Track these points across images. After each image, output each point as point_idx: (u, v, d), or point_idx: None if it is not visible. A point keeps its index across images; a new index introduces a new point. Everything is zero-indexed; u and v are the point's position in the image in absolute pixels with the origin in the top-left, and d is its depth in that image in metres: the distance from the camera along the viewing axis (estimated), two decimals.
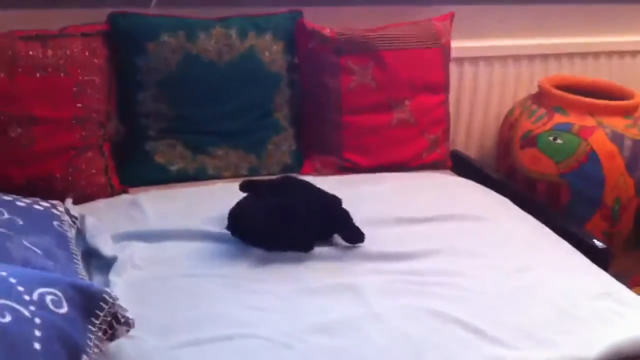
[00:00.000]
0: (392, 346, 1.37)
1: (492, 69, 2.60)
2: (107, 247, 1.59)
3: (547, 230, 1.90)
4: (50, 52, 1.84)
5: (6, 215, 1.41)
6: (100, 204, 1.86)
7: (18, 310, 1.01)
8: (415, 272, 1.63)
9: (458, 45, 2.37)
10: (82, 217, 1.66)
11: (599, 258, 1.81)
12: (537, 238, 1.86)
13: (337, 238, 1.72)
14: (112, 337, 1.19)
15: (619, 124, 2.29)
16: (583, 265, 1.75)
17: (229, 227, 1.67)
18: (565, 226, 1.96)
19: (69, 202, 1.75)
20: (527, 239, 1.85)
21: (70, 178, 1.87)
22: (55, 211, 1.54)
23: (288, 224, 1.66)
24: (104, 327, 1.16)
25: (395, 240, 1.74)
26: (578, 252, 1.81)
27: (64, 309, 1.08)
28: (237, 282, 1.54)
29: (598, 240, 1.90)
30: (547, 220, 1.94)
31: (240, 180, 1.81)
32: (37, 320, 1.02)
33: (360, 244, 1.69)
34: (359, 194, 1.93)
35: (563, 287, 1.62)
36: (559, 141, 2.28)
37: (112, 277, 1.51)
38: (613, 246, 2.39)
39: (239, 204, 1.69)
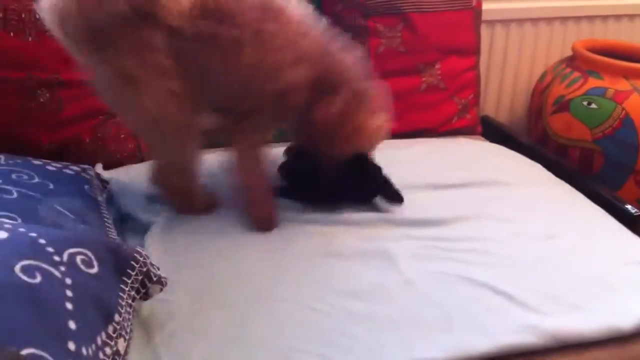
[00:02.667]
0: (422, 310, 1.36)
1: (524, 32, 2.54)
2: (142, 211, 1.60)
3: (580, 196, 1.87)
4: None
5: (37, 179, 1.41)
6: (131, 169, 1.86)
7: (48, 271, 1.00)
8: (446, 239, 1.61)
9: (489, 7, 2.32)
10: (112, 182, 1.66)
11: (632, 224, 1.78)
12: (570, 204, 1.83)
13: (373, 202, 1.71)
14: (145, 296, 1.19)
15: None
16: (616, 231, 1.72)
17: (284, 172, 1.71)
18: (599, 192, 1.93)
19: (99, 166, 1.75)
20: (560, 204, 1.82)
21: (99, 143, 1.86)
22: (85, 175, 1.54)
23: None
24: (136, 286, 1.16)
25: (426, 205, 1.72)
26: (611, 217, 1.78)
27: (95, 269, 1.08)
28: (268, 246, 1.54)
29: (632, 206, 1.87)
30: (580, 187, 1.91)
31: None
32: (68, 281, 1.02)
33: (396, 205, 1.69)
34: (388, 158, 1.90)
35: (596, 253, 1.59)
36: (593, 106, 2.24)
37: (148, 240, 1.51)
38: None
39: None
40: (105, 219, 1.43)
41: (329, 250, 1.53)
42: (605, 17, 2.63)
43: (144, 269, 1.18)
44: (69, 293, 1.00)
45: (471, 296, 1.41)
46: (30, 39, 1.77)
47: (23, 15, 1.76)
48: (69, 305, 0.99)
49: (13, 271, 0.97)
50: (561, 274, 1.50)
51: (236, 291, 1.38)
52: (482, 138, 2.25)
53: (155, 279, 1.20)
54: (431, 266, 1.50)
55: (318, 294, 1.39)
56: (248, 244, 1.54)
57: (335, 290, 1.40)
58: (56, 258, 1.04)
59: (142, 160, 1.92)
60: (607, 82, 2.25)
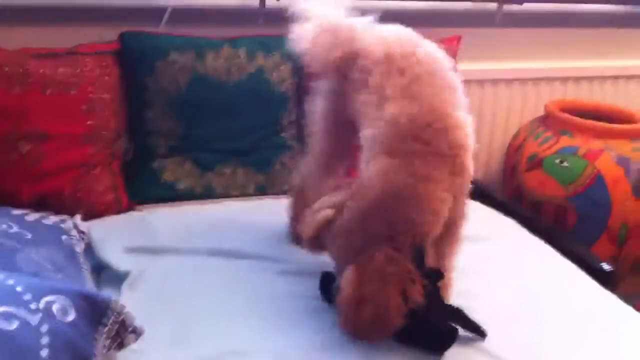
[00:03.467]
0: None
1: (498, 92, 2.62)
2: (118, 261, 1.60)
3: (553, 253, 1.91)
4: (61, 70, 1.86)
5: (15, 229, 1.42)
6: (109, 220, 1.87)
7: (24, 318, 1.01)
8: None
9: (464, 67, 2.39)
10: (91, 232, 1.67)
11: (605, 280, 1.81)
12: (544, 260, 1.87)
13: None
14: (120, 346, 1.20)
15: (625, 147, 2.29)
16: (590, 287, 1.76)
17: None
18: (572, 249, 1.96)
19: (77, 217, 1.76)
20: (533, 260, 1.85)
21: (79, 194, 1.88)
22: (63, 226, 1.56)
23: None
24: (111, 334, 1.16)
25: None
26: (584, 274, 1.81)
27: (71, 317, 1.08)
28: (246, 299, 1.55)
29: (604, 263, 1.90)
30: (554, 243, 1.94)
31: (248, 199, 1.80)
32: (44, 328, 1.02)
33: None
34: None
35: (568, 308, 1.63)
36: (565, 164, 2.29)
37: (124, 289, 1.51)
38: (620, 270, 2.39)
39: None
40: (83, 269, 1.44)
41: (303, 303, 1.54)
42: (577, 79, 2.71)
43: (120, 319, 1.18)
44: (44, 340, 1.01)
45: (455, 354, 1.42)
46: (14, 92, 1.80)
47: (6, 69, 1.80)
48: (44, 353, 0.99)
49: None
50: (536, 328, 1.53)
51: (211, 344, 1.39)
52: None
53: (130, 328, 1.21)
54: None
55: (298, 347, 1.39)
56: (226, 299, 1.55)
57: (310, 344, 1.41)
58: (32, 306, 1.04)
59: (119, 211, 1.94)
60: (578, 141, 2.31)
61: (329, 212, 1.45)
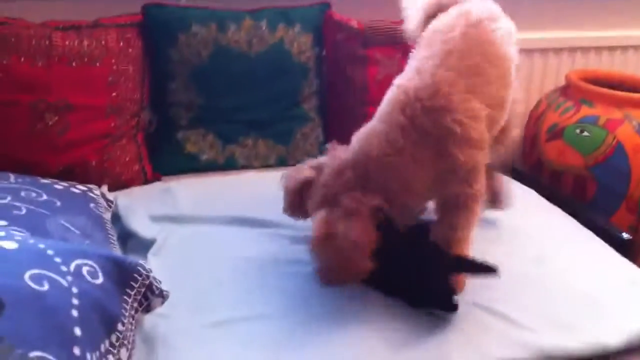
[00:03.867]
0: (417, 329, 1.40)
1: (519, 62, 2.60)
2: (144, 229, 1.64)
3: (572, 222, 1.91)
4: (85, 42, 1.89)
5: (44, 197, 1.46)
6: (135, 190, 1.92)
7: (56, 280, 1.05)
8: None
9: None
10: (117, 202, 1.71)
11: (624, 249, 1.82)
12: (562, 228, 1.88)
13: None
14: (147, 309, 1.23)
15: None
16: (608, 255, 1.76)
17: None
18: (591, 218, 1.97)
19: (104, 187, 1.80)
20: (552, 229, 1.86)
21: (105, 165, 1.92)
22: (91, 194, 1.59)
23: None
24: (139, 298, 1.20)
25: None
26: (603, 242, 1.82)
27: (100, 280, 1.12)
28: (264, 265, 1.58)
29: (624, 232, 1.91)
30: (573, 213, 1.95)
31: (269, 169, 1.82)
32: (74, 290, 1.06)
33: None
34: None
35: (587, 275, 1.64)
36: (585, 134, 2.29)
37: (150, 256, 1.55)
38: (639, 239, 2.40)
39: None
40: (110, 236, 1.47)
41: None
42: (598, 49, 2.69)
43: (147, 282, 1.22)
44: (75, 301, 1.04)
45: (465, 314, 1.45)
46: (40, 64, 1.83)
47: (33, 42, 1.83)
48: (74, 313, 1.03)
49: (22, 279, 1.01)
50: (552, 295, 1.55)
51: (235, 308, 1.43)
52: None
53: (157, 292, 1.24)
54: None
55: (316, 312, 1.43)
56: (244, 265, 1.58)
57: (324, 310, 1.44)
58: (63, 268, 1.08)
59: (145, 182, 1.98)
60: (599, 111, 2.31)
61: (308, 172, 1.50)
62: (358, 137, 1.49)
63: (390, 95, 1.51)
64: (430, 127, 1.42)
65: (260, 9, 2.13)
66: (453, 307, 1.43)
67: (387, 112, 1.47)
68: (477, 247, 1.71)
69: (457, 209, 1.53)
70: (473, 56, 1.51)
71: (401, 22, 2.19)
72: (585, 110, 2.32)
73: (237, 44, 2.06)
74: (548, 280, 1.60)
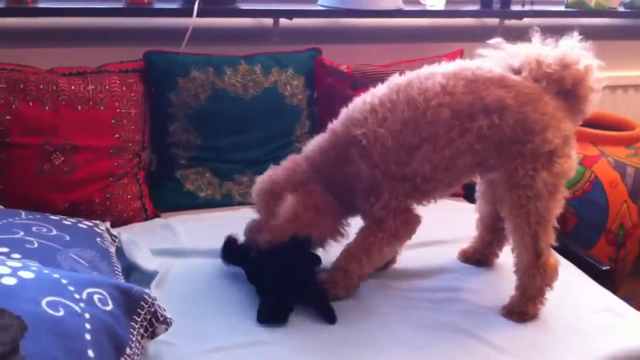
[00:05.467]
0: (404, 355, 1.50)
1: None
2: (147, 263, 1.73)
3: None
4: (90, 87, 2.00)
5: (54, 232, 1.55)
6: (136, 226, 2.01)
7: (70, 306, 1.14)
8: (429, 290, 1.76)
9: None
10: (121, 237, 1.80)
11: (603, 280, 1.91)
12: None
13: None
14: (152, 335, 1.32)
15: (620, 153, 2.40)
16: (585, 283, 1.86)
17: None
18: (572, 250, 2.06)
19: (108, 224, 1.89)
20: None
21: (108, 203, 2.01)
22: (97, 229, 1.68)
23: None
24: (144, 324, 1.29)
25: (410, 261, 1.88)
26: (581, 271, 1.91)
27: (110, 307, 1.21)
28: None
29: (602, 263, 2.00)
30: (554, 245, 2.03)
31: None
32: (87, 315, 1.15)
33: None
34: None
35: (566, 302, 1.73)
36: None
37: (153, 287, 1.65)
38: (619, 271, 2.49)
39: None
40: (115, 268, 1.56)
41: None
42: None
43: (152, 309, 1.31)
44: (87, 326, 1.14)
45: (450, 340, 1.56)
46: (47, 108, 1.94)
47: (41, 87, 1.94)
48: (87, 336, 1.12)
49: (40, 305, 1.11)
50: (534, 320, 1.66)
51: (235, 335, 1.52)
52: (464, 200, 2.40)
53: (161, 319, 1.34)
54: (413, 314, 1.65)
55: (312, 339, 1.53)
56: (244, 295, 1.68)
57: (323, 338, 1.55)
58: (76, 296, 1.18)
59: (146, 218, 2.08)
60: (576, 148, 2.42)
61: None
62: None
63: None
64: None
65: (255, 54, 2.26)
66: (333, 319, 1.59)
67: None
68: (458, 277, 1.82)
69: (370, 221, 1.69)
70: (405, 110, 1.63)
71: (387, 65, 2.33)
72: None
73: (233, 88, 2.17)
74: None
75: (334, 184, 1.67)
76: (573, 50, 1.62)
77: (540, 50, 1.63)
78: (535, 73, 1.60)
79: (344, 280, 1.68)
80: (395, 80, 1.67)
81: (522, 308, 1.65)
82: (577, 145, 1.69)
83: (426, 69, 1.67)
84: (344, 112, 1.70)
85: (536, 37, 1.67)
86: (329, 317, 1.60)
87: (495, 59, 1.68)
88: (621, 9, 2.84)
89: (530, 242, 1.62)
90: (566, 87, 1.61)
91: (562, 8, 2.76)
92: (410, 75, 1.66)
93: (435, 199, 1.73)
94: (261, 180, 1.73)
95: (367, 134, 1.61)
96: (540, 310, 1.67)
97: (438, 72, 1.63)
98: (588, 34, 2.66)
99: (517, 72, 1.64)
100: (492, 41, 1.68)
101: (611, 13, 2.82)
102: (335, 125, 1.70)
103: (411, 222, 1.68)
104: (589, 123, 2.50)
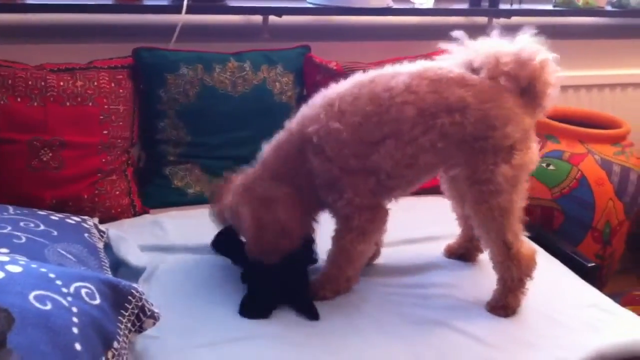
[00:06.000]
0: (392, 347, 1.51)
1: None
2: (135, 258, 1.74)
3: (539, 250, 2.02)
4: (79, 83, 2.00)
5: (42, 227, 1.56)
6: (125, 222, 2.02)
7: (58, 300, 1.15)
8: (418, 286, 1.78)
9: None
10: (109, 232, 1.81)
11: (589, 277, 1.93)
12: None
13: None
14: (140, 329, 1.33)
15: (607, 151, 2.42)
16: (572, 280, 1.88)
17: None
18: (558, 247, 2.08)
19: (96, 220, 1.90)
20: None
21: (96, 199, 2.01)
22: (85, 225, 1.69)
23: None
24: (132, 318, 1.30)
25: (400, 257, 1.90)
26: (567, 269, 1.94)
27: (97, 301, 1.22)
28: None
29: (588, 259, 2.02)
30: (541, 242, 2.06)
31: None
32: (74, 309, 1.16)
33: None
34: None
35: (552, 298, 1.76)
36: (551, 167, 2.42)
37: (141, 282, 1.65)
38: (606, 268, 2.52)
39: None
40: (103, 263, 1.57)
41: None
42: (564, 87, 2.84)
43: (139, 304, 1.32)
44: (75, 319, 1.14)
45: (438, 334, 1.58)
46: (35, 104, 1.94)
47: (30, 83, 1.94)
48: (75, 330, 1.13)
49: (27, 299, 1.11)
50: (519, 315, 1.68)
51: (222, 330, 1.53)
52: None
53: (149, 313, 1.34)
54: (402, 309, 1.67)
55: (296, 330, 1.54)
56: (229, 290, 1.69)
57: (311, 330, 1.57)
58: (64, 290, 1.18)
59: (134, 215, 2.08)
60: (563, 146, 2.44)
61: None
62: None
63: None
64: None
65: (244, 51, 2.26)
66: (315, 316, 1.61)
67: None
68: (446, 272, 1.83)
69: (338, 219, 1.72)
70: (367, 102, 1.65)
71: (375, 63, 2.33)
72: (551, 146, 2.46)
73: (223, 85, 2.18)
74: (520, 310, 1.71)
75: (296, 183, 1.68)
76: (528, 46, 1.64)
77: (498, 48, 1.65)
78: (493, 71, 1.63)
79: (330, 283, 1.71)
80: (359, 77, 1.69)
81: (504, 301, 1.68)
82: (536, 138, 1.72)
83: (390, 69, 1.69)
84: (301, 110, 1.74)
85: (494, 34, 1.70)
86: (311, 315, 1.61)
87: (456, 56, 1.71)
88: (609, 8, 2.86)
89: (496, 236, 1.66)
90: (523, 84, 1.63)
91: (550, 7, 2.78)
92: (373, 73, 1.68)
93: (397, 198, 1.75)
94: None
95: (318, 131, 1.63)
96: (522, 301, 1.69)
97: (402, 71, 1.66)
98: (576, 33, 2.70)
99: (476, 70, 1.67)
100: (454, 34, 1.69)
101: (599, 12, 2.83)
102: (291, 123, 1.73)
103: (377, 218, 1.70)
104: (576, 121, 2.55)
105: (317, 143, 1.63)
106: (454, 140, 1.62)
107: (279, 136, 1.73)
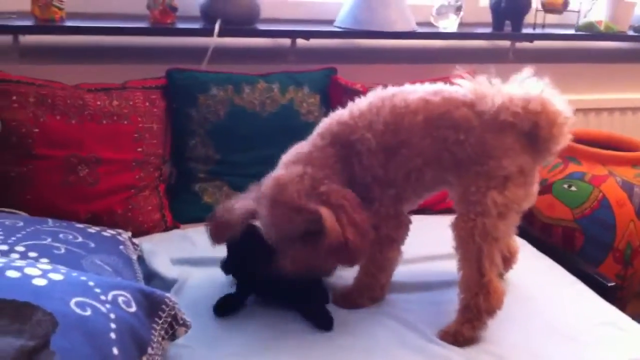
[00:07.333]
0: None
1: None
2: (166, 271, 1.81)
3: (559, 268, 2.06)
4: (115, 103, 2.08)
5: (80, 239, 1.63)
6: (156, 236, 2.08)
7: (96, 307, 1.21)
8: (438, 302, 1.82)
9: None
10: (142, 246, 1.88)
11: (609, 296, 1.95)
12: (549, 273, 2.03)
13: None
14: (172, 337, 1.39)
15: (628, 173, 2.45)
16: (590, 298, 1.90)
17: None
18: (579, 267, 2.10)
19: (128, 233, 1.97)
20: (539, 273, 2.01)
21: (129, 214, 2.08)
22: (120, 237, 1.76)
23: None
24: (165, 326, 1.36)
25: (419, 274, 1.94)
26: (586, 287, 1.96)
27: (133, 309, 1.28)
28: (276, 302, 1.75)
29: (608, 279, 2.04)
30: (562, 262, 2.10)
31: None
32: (112, 315, 1.22)
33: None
34: None
35: (569, 315, 1.79)
36: (573, 188, 2.46)
37: (172, 293, 1.71)
38: (627, 289, 2.53)
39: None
40: (137, 274, 1.64)
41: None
42: (585, 110, 2.89)
43: (173, 312, 1.38)
44: (112, 325, 1.21)
45: (461, 352, 1.62)
46: (73, 122, 2.02)
47: (68, 102, 2.02)
48: (112, 335, 1.19)
49: (69, 305, 1.18)
50: (537, 333, 1.71)
51: (251, 340, 1.59)
52: None
53: (181, 322, 1.40)
54: (421, 325, 1.71)
55: (325, 345, 1.61)
56: (259, 301, 1.75)
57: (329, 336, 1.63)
58: (102, 297, 1.25)
59: (165, 229, 2.15)
60: (585, 167, 2.48)
61: (248, 204, 1.79)
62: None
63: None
64: None
65: (273, 73, 2.34)
66: (329, 327, 1.66)
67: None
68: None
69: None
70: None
71: (399, 85, 2.38)
72: (573, 167, 2.49)
73: (251, 105, 2.25)
74: (533, 320, 1.75)
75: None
76: (538, 96, 1.65)
77: (507, 94, 1.64)
78: (502, 109, 1.62)
79: (368, 292, 1.78)
80: (380, 92, 1.76)
81: (458, 328, 1.65)
82: (538, 178, 1.73)
83: (410, 86, 1.76)
84: (328, 122, 1.79)
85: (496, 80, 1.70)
86: (326, 323, 1.67)
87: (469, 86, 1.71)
88: (631, 32, 2.89)
89: (474, 258, 1.64)
90: (527, 129, 1.63)
91: (572, 31, 2.82)
92: (394, 89, 1.75)
93: (407, 210, 1.80)
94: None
95: (360, 139, 1.68)
96: (478, 336, 1.66)
97: (420, 89, 1.73)
98: (597, 56, 2.74)
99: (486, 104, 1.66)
100: (461, 71, 1.72)
101: (620, 37, 2.87)
102: (323, 132, 1.77)
103: (402, 225, 1.76)
104: (598, 143, 2.58)
105: (360, 151, 1.68)
106: (454, 160, 1.66)
107: (312, 145, 1.77)
